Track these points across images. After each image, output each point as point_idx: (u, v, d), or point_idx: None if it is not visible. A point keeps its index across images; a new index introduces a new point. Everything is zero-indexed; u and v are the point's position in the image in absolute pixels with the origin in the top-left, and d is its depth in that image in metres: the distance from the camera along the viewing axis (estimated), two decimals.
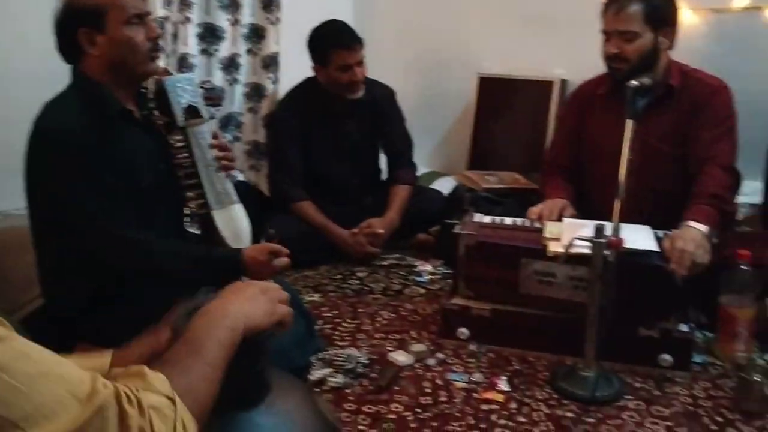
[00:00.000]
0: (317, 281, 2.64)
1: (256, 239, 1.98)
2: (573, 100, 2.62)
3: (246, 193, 2.67)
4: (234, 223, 1.90)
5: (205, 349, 0.90)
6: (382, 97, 2.98)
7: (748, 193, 2.49)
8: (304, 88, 2.93)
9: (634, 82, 1.98)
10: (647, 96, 2.27)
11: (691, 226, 2.02)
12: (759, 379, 1.77)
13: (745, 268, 2.01)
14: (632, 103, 1.94)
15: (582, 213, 2.32)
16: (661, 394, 1.87)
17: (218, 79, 3.14)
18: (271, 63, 3.18)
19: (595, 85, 2.50)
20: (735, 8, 2.79)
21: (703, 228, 2.01)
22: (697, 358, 2.02)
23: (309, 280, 2.65)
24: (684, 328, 1.97)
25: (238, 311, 0.98)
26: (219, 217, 1.87)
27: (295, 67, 3.01)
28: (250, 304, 1.01)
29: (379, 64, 3.05)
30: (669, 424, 1.74)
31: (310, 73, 2.88)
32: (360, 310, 2.39)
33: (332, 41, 2.76)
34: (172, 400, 0.81)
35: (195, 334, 0.93)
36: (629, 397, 1.85)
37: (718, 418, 1.77)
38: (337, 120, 2.91)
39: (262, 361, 1.04)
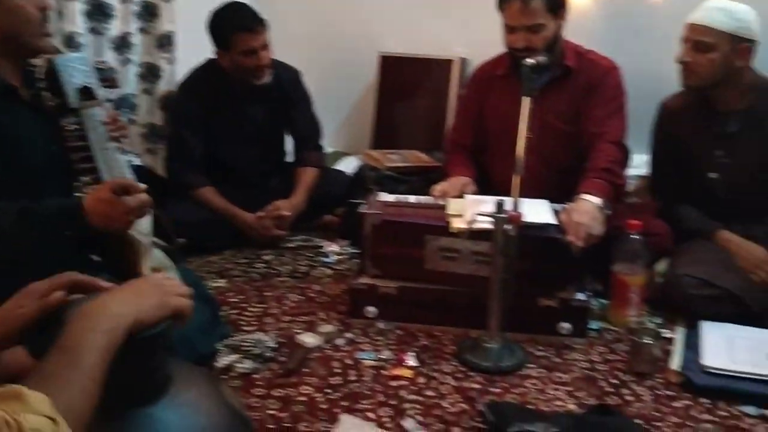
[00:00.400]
0: (221, 266, 2.59)
1: (155, 224, 1.91)
2: (473, 80, 2.66)
3: (142, 177, 2.57)
4: None
5: (83, 360, 0.87)
6: (288, 80, 2.92)
7: (637, 166, 2.61)
8: (205, 70, 2.83)
9: (530, 60, 2.03)
10: (545, 75, 2.35)
11: (585, 199, 2.11)
12: (649, 342, 1.88)
13: (636, 237, 2.11)
14: (528, 80, 1.98)
15: (485, 190, 2.37)
16: (561, 361, 1.95)
17: (110, 59, 2.98)
18: (166, 42, 3.06)
19: (494, 65, 2.55)
20: None
21: (596, 200, 2.10)
22: (593, 325, 2.12)
23: (213, 266, 2.59)
24: (581, 296, 2.06)
25: (119, 310, 0.94)
26: None
27: (193, 47, 2.91)
28: (137, 299, 0.98)
29: (281, 43, 2.99)
30: (569, 389, 1.82)
31: (209, 53, 2.79)
32: (267, 293, 2.36)
33: (234, 25, 2.66)
34: (54, 420, 0.77)
35: (71, 341, 0.89)
36: (531, 365, 1.92)
37: (614, 381, 1.86)
38: (241, 105, 2.83)
39: (159, 356, 1.01)
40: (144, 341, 0.96)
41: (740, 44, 2.19)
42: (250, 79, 2.73)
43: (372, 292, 2.11)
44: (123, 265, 1.68)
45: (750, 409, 1.72)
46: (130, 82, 3.05)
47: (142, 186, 1.62)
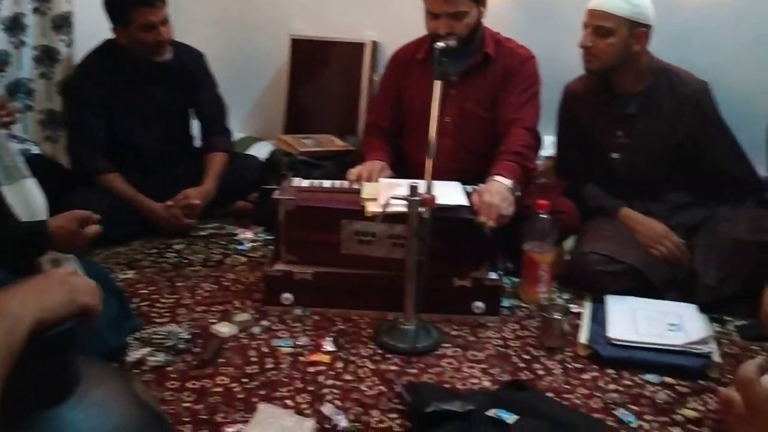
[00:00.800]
0: (130, 257, 2.50)
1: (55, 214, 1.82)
2: (393, 62, 2.65)
3: (41, 166, 2.45)
4: (26, 199, 1.72)
5: None
6: (190, 61, 2.84)
7: (545, 147, 2.69)
8: (103, 51, 2.71)
9: (440, 44, 2.05)
10: (462, 60, 2.38)
11: (496, 180, 2.15)
12: (559, 317, 1.95)
13: (544, 216, 2.18)
14: (439, 64, 2.00)
15: (404, 172, 2.39)
16: (476, 339, 2.00)
17: (1, 41, 2.81)
18: (63, 24, 2.91)
19: (414, 48, 2.56)
20: None
21: (507, 182, 2.15)
22: (506, 303, 2.18)
23: (121, 257, 2.50)
24: (493, 276, 2.11)
25: (18, 310, 0.89)
26: (9, 193, 1.69)
27: (92, 28, 2.78)
28: (38, 297, 0.93)
29: (186, 26, 2.90)
30: (483, 366, 1.86)
31: (110, 35, 2.67)
32: (179, 284, 2.30)
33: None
34: None
35: None
36: (447, 345, 1.96)
37: (526, 356, 1.92)
38: (142, 85, 2.73)
39: (65, 355, 0.96)
40: (48, 341, 0.91)
41: (637, 29, 2.28)
42: (150, 56, 2.64)
43: (288, 279, 2.09)
44: (21, 259, 1.61)
45: (652, 377, 1.82)
46: (24, 66, 2.89)
47: (96, 216, 1.78)
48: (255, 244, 2.65)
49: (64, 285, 0.97)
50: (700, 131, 2.36)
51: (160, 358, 1.81)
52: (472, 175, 2.30)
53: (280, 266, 2.12)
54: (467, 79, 2.45)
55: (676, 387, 1.78)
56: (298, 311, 2.09)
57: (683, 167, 2.43)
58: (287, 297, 2.10)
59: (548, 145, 2.71)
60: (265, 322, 2.04)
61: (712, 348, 1.89)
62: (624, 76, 2.38)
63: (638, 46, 2.31)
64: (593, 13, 2.31)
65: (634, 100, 2.39)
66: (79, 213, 1.73)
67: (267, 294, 2.12)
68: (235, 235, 2.72)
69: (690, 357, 1.86)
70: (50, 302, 0.93)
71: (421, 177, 1.94)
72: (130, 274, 2.37)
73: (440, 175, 2.21)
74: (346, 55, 3.37)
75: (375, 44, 3.34)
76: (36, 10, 2.89)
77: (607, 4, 2.27)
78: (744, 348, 1.99)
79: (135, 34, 2.58)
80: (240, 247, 2.62)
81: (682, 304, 2.14)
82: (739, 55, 2.70)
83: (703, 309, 2.12)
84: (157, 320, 2.04)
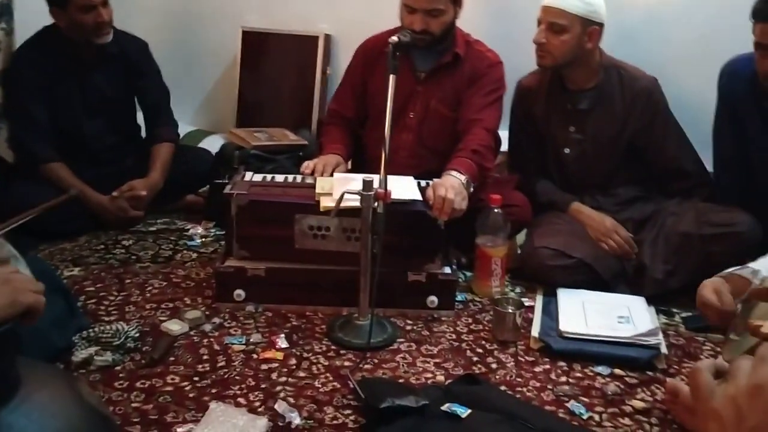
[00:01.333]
0: (76, 254, 2.43)
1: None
2: (360, 52, 2.62)
3: None
4: None
5: None
6: (133, 50, 2.78)
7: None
8: (42, 37, 2.63)
9: (393, 38, 2.05)
10: (433, 58, 2.39)
11: (451, 175, 2.16)
12: (511, 311, 1.96)
13: (497, 210, 2.20)
14: (393, 58, 1.99)
15: (364, 165, 2.37)
16: (430, 334, 2.00)
17: None
18: (3, 11, 2.80)
19: (383, 40, 2.52)
20: None
21: (462, 177, 2.15)
22: (460, 297, 2.19)
23: (67, 253, 2.43)
24: (447, 270, 2.11)
25: None
26: None
27: (33, 16, 2.68)
28: None
29: (134, 16, 2.84)
30: (437, 360, 1.87)
31: (49, 23, 2.59)
32: (127, 281, 2.24)
33: None
34: None
35: None
36: (402, 340, 1.96)
37: (479, 350, 1.93)
38: (84, 71, 2.66)
39: (5, 356, 0.92)
40: None
41: (590, 27, 2.31)
42: (91, 38, 2.57)
43: (240, 275, 2.06)
44: None
45: (602, 369, 1.85)
46: None
47: None
48: (206, 239, 2.61)
49: (5, 285, 0.93)
50: (650, 126, 2.41)
51: (108, 357, 1.76)
52: (430, 172, 2.30)
53: (232, 262, 2.09)
54: (435, 77, 2.44)
55: (626, 378, 1.82)
56: (250, 308, 2.06)
57: (633, 162, 2.47)
58: (239, 293, 2.07)
59: (501, 140, 2.73)
60: (216, 319, 2.00)
61: (659, 339, 1.93)
62: (576, 73, 2.41)
63: (591, 44, 2.34)
64: (548, 10, 2.33)
65: (587, 95, 2.43)
66: None
67: (218, 290, 2.09)
68: (186, 230, 2.68)
69: (638, 349, 1.90)
70: None
71: (378, 170, 1.93)
72: (76, 271, 2.30)
73: (399, 170, 2.21)
74: (299, 48, 3.33)
75: (328, 37, 3.31)
76: None
77: (562, 1, 2.29)
78: (690, 339, 2.04)
79: (74, 16, 2.51)
80: (190, 243, 2.57)
81: (630, 296, 2.19)
82: (686, 52, 2.76)
83: (651, 301, 2.17)
84: (105, 318, 1.99)
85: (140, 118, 2.93)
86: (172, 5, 3.51)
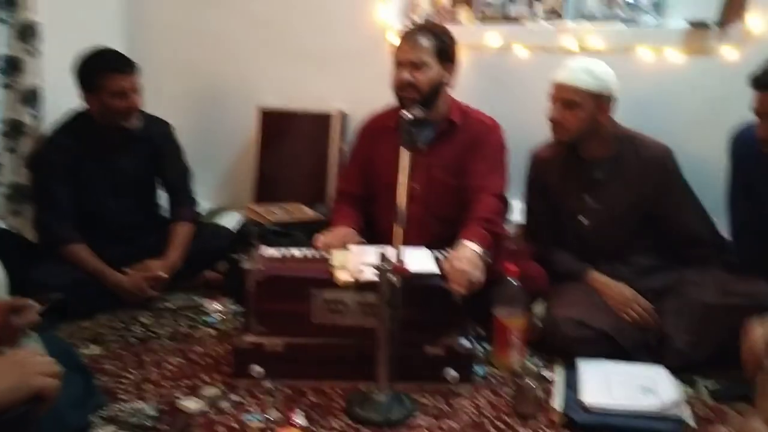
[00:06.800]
0: (95, 332, 2.44)
1: (19, 290, 1.78)
2: (364, 130, 2.71)
3: (6, 240, 2.41)
4: None
5: None
6: (159, 132, 2.86)
7: (513, 213, 2.72)
8: (71, 122, 2.72)
9: (408, 114, 2.10)
10: (430, 129, 2.45)
11: (466, 246, 2.17)
12: (532, 384, 1.93)
13: (513, 281, 2.19)
14: (407, 133, 2.03)
15: (373, 240, 2.40)
16: (449, 409, 1.97)
17: None
18: (31, 98, 2.91)
19: (385, 117, 2.62)
20: (490, 46, 3.06)
21: (476, 248, 2.16)
22: (479, 370, 2.16)
23: (86, 332, 2.44)
24: (465, 343, 2.09)
25: None
26: None
27: (62, 102, 2.79)
28: None
29: (155, 98, 2.93)
30: None
31: (79, 108, 2.69)
32: (146, 358, 2.24)
33: (104, 65, 2.59)
34: None
35: None
36: (420, 415, 1.92)
37: (500, 424, 1.89)
38: (111, 154, 2.73)
39: None
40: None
41: (603, 101, 2.36)
42: (119, 122, 2.64)
43: (257, 351, 2.05)
44: None
45: None
46: None
47: (36, 306, 1.57)
48: (224, 315, 2.61)
49: (18, 367, 0.94)
50: (665, 195, 2.42)
51: None
52: (440, 241, 2.31)
53: (249, 338, 2.08)
54: (434, 147, 2.50)
55: None
56: (268, 384, 2.04)
57: (649, 230, 2.47)
58: (257, 369, 2.05)
59: (516, 211, 2.75)
60: (234, 396, 1.99)
61: (684, 411, 1.88)
62: (591, 144, 2.44)
63: (604, 117, 2.39)
64: (560, 87, 2.38)
65: (601, 165, 2.45)
66: (14, 301, 1.56)
67: (236, 367, 2.08)
68: (204, 307, 2.68)
69: (664, 421, 1.85)
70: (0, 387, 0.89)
71: (390, 244, 1.95)
72: (95, 349, 2.30)
73: (409, 241, 2.21)
74: (314, 125, 3.42)
75: (343, 115, 3.39)
76: (6, 86, 2.89)
77: (573, 78, 2.35)
78: (716, 410, 1.98)
79: (106, 101, 2.59)
80: (209, 319, 2.57)
81: (652, 366, 2.14)
82: (696, 120, 2.79)
83: (674, 372, 2.13)
84: (123, 397, 1.98)
85: (161, 196, 2.98)
86: (193, 87, 3.63)
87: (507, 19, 3.09)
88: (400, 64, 2.46)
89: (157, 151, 2.85)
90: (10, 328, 1.52)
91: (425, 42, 2.44)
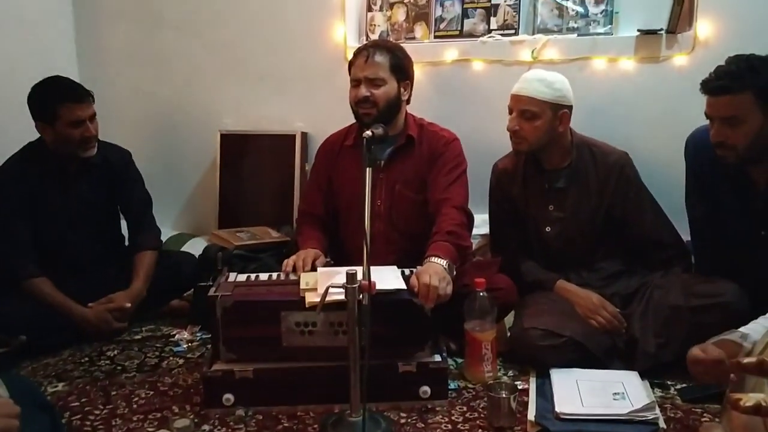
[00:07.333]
0: (60, 368, 2.38)
1: None
2: (322, 150, 2.71)
3: None
4: None
5: None
6: (117, 160, 2.82)
7: (478, 225, 2.74)
8: (26, 153, 2.67)
9: (368, 133, 2.10)
10: (388, 145, 2.46)
11: (433, 262, 2.17)
12: (505, 396, 1.93)
13: (482, 294, 2.20)
14: (368, 151, 2.04)
15: (341, 258, 2.39)
16: (425, 426, 1.95)
17: None
18: None
19: (343, 136, 2.63)
20: (448, 61, 3.10)
21: (443, 262, 2.17)
22: (452, 385, 2.15)
23: (50, 369, 2.38)
24: (437, 358, 2.09)
25: None
26: None
27: (12, 135, 2.74)
28: None
29: (113, 125, 2.89)
30: None
31: (30, 138, 2.64)
32: (113, 393, 2.19)
33: (61, 96, 2.55)
34: None
35: None
36: None
37: None
38: (69, 183, 2.69)
39: None
40: None
41: (560, 111, 2.40)
42: (77, 152, 2.60)
43: (228, 379, 2.02)
44: None
45: None
46: None
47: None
48: (192, 344, 2.57)
49: None
50: (625, 199, 2.46)
51: None
52: (407, 257, 2.32)
53: (219, 366, 2.05)
54: (394, 162, 2.51)
55: None
56: (240, 411, 2.01)
57: (614, 236, 2.50)
58: (228, 398, 2.02)
59: (481, 223, 2.76)
60: (206, 426, 1.95)
61: (656, 414, 1.90)
62: (551, 153, 2.48)
63: (562, 126, 2.42)
64: (517, 98, 2.42)
65: (562, 174, 2.48)
66: None
67: (206, 396, 2.04)
68: (172, 336, 2.64)
69: (636, 425, 1.87)
70: None
71: (358, 263, 1.94)
72: (61, 386, 2.25)
73: (377, 258, 2.21)
74: (276, 146, 3.40)
75: (304, 135, 3.39)
76: None
77: (531, 89, 2.39)
78: (687, 411, 2.00)
79: (62, 130, 2.55)
80: (177, 349, 2.53)
81: (623, 371, 2.17)
82: (652, 126, 2.85)
83: (644, 375, 2.15)
84: None
85: (124, 226, 2.94)
86: (152, 113, 3.59)
87: (463, 34, 3.13)
88: (356, 81, 2.48)
89: (116, 178, 2.81)
90: None
91: (380, 58, 2.46)
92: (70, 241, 2.71)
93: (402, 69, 2.51)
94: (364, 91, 2.45)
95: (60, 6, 3.50)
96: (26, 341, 2.05)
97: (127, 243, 2.93)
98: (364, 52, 2.49)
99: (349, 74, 2.53)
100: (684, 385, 2.13)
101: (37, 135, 2.64)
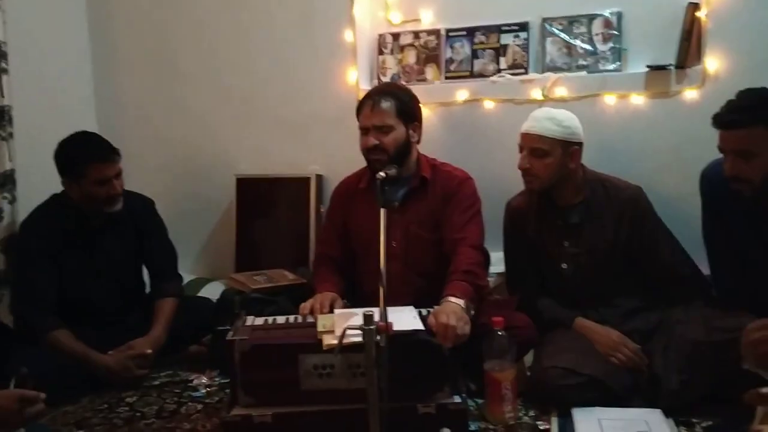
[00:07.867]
0: (80, 416, 2.38)
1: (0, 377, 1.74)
2: (336, 193, 2.74)
3: None
4: None
5: None
6: (140, 210, 2.85)
7: (494, 263, 2.74)
8: (50, 205, 2.70)
9: (381, 174, 2.13)
10: (402, 186, 2.48)
11: (450, 301, 2.17)
12: None
13: (501, 333, 2.18)
14: (381, 192, 2.06)
15: (358, 300, 2.39)
16: None
17: None
18: (6, 182, 2.90)
19: (356, 179, 2.66)
20: (459, 101, 3.13)
21: (460, 302, 2.16)
22: (473, 426, 2.13)
23: (70, 416, 2.38)
24: (457, 399, 2.07)
25: None
26: None
27: (35, 184, 2.78)
28: None
29: (131, 174, 2.93)
30: None
31: (53, 190, 2.68)
32: None
33: (88, 155, 2.58)
34: None
35: None
36: None
37: None
38: (93, 237, 2.71)
39: None
40: None
41: (571, 148, 2.41)
42: (102, 208, 2.63)
43: (246, 424, 2.01)
44: None
45: None
46: None
47: (42, 395, 1.66)
48: (211, 389, 2.56)
49: None
50: (640, 233, 2.45)
51: None
52: (424, 297, 2.31)
53: (237, 410, 2.05)
54: (408, 204, 2.53)
55: None
56: None
57: (631, 272, 2.49)
58: None
59: (497, 262, 2.76)
60: None
61: None
62: (563, 190, 2.48)
63: (573, 163, 2.43)
64: (527, 137, 2.43)
65: (576, 210, 2.48)
66: (24, 393, 1.63)
67: None
68: (190, 381, 2.64)
69: None
70: None
71: (375, 304, 1.94)
72: None
73: (393, 299, 2.21)
74: (291, 190, 3.43)
75: (319, 177, 3.42)
76: None
77: (540, 127, 2.40)
78: None
79: (88, 188, 2.58)
80: (195, 394, 2.52)
81: (646, 410, 2.13)
82: (662, 161, 2.85)
83: (668, 413, 2.11)
84: None
85: (145, 273, 2.95)
86: (167, 160, 3.65)
87: (473, 75, 3.17)
88: (365, 129, 2.50)
89: (140, 229, 2.84)
90: (20, 416, 1.60)
91: (386, 105, 2.48)
92: (93, 293, 2.72)
93: (409, 112, 2.53)
94: (372, 139, 2.47)
95: (78, 59, 3.59)
96: (27, 373, 2.06)
97: (147, 289, 2.94)
98: (369, 100, 2.52)
99: (357, 121, 2.55)
100: (710, 422, 2.09)
101: (61, 187, 2.67)
